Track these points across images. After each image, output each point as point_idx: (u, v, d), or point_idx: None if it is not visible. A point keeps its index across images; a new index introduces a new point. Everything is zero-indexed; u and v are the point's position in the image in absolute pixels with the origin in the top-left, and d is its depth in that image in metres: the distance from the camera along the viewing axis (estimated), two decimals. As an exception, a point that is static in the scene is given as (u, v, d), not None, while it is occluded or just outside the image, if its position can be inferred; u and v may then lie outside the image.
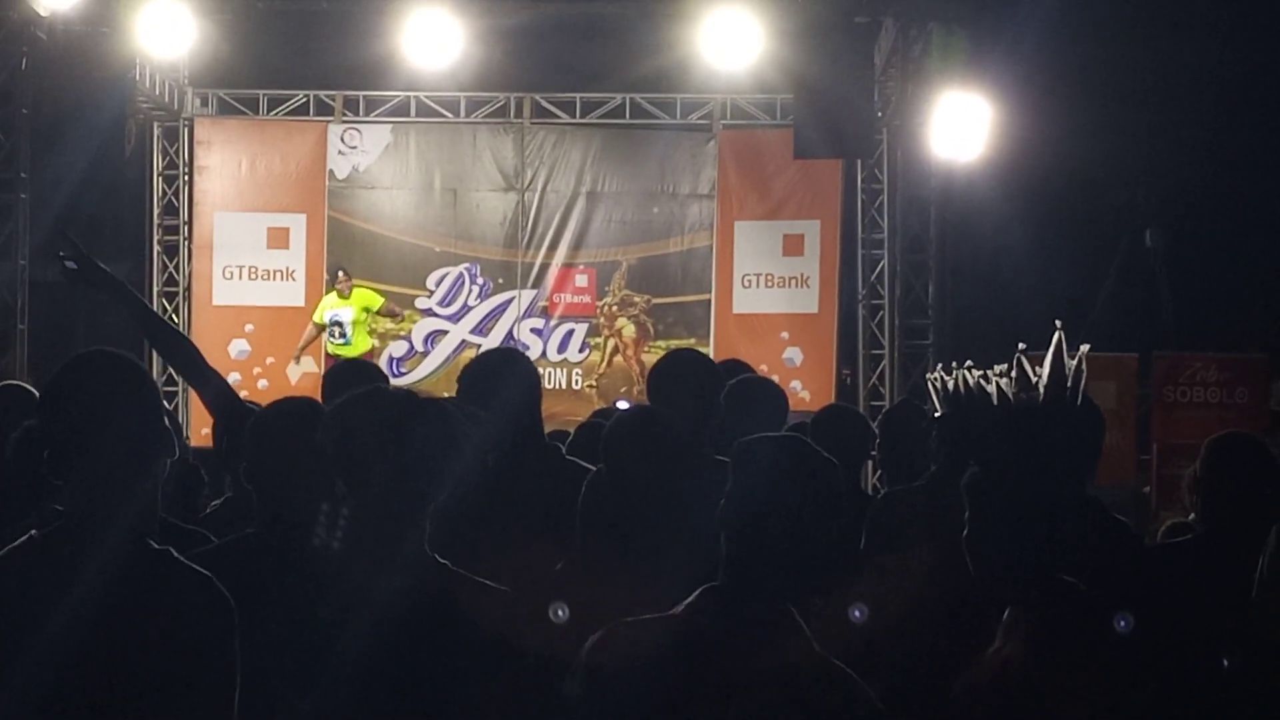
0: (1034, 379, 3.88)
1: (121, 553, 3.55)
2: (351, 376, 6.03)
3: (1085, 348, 3.95)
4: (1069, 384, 3.88)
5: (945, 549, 5.65)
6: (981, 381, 4.04)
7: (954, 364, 3.98)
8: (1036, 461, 3.78)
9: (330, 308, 18.67)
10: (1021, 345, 3.99)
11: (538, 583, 4.30)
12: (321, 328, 18.74)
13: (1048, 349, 3.96)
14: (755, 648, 3.52)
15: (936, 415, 6.01)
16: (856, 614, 4.94)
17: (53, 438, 3.64)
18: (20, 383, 7.24)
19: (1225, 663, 4.19)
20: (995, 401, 3.93)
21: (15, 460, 5.88)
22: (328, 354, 18.69)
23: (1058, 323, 4.02)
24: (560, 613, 2.59)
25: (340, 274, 18.76)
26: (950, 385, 3.88)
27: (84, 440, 3.59)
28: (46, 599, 3.48)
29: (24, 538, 3.62)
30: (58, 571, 3.50)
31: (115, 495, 3.58)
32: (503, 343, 19.07)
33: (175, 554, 3.61)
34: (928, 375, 3.88)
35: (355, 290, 18.71)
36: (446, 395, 5.48)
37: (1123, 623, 4.93)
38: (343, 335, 18.49)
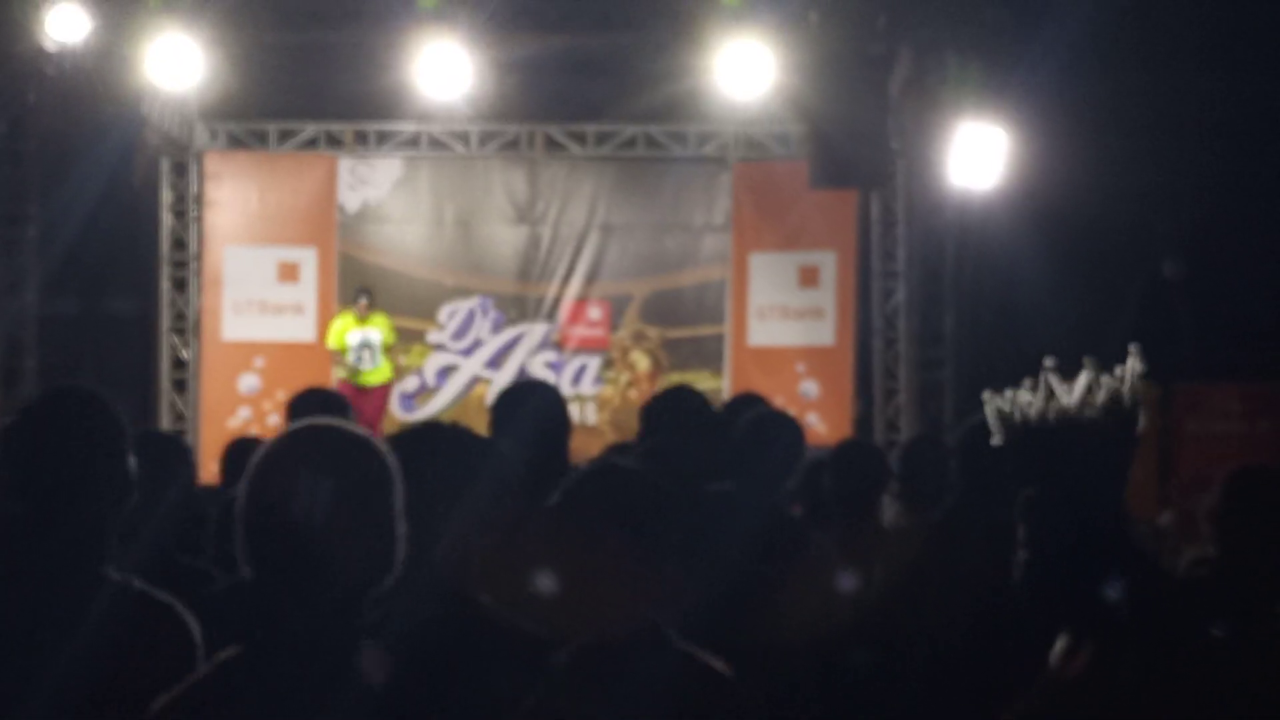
0: (1066, 398, 3.81)
1: (73, 580, 3.51)
2: (316, 407, 5.93)
3: (1134, 360, 3.92)
4: (1127, 401, 3.86)
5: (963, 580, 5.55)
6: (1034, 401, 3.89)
7: (1004, 390, 3.88)
8: (1094, 481, 3.75)
9: (354, 329, 18.52)
10: (1048, 361, 3.90)
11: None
12: (341, 352, 18.56)
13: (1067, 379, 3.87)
14: None
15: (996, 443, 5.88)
16: (845, 583, 4.84)
17: (12, 467, 3.62)
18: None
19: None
20: (1051, 419, 3.82)
21: None
22: (345, 381, 18.50)
23: (1132, 348, 3.97)
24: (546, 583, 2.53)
25: (363, 298, 18.58)
26: (1010, 410, 3.77)
27: (38, 472, 3.56)
28: None
29: None
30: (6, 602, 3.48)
31: (65, 528, 3.54)
32: (515, 377, 18.96)
33: (138, 584, 3.55)
34: (985, 400, 3.73)
35: (374, 315, 18.63)
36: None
37: (1112, 591, 4.79)
38: (373, 359, 18.40)
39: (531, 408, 5.69)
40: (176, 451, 5.75)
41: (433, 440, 5.95)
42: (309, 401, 6.44)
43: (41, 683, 3.36)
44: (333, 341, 18.76)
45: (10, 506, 3.61)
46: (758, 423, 6.30)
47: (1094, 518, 3.70)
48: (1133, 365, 3.89)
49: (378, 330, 18.58)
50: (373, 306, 18.65)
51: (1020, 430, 3.75)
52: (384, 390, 18.73)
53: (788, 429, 6.42)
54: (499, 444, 4.88)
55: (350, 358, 18.54)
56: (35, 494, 3.56)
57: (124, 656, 3.39)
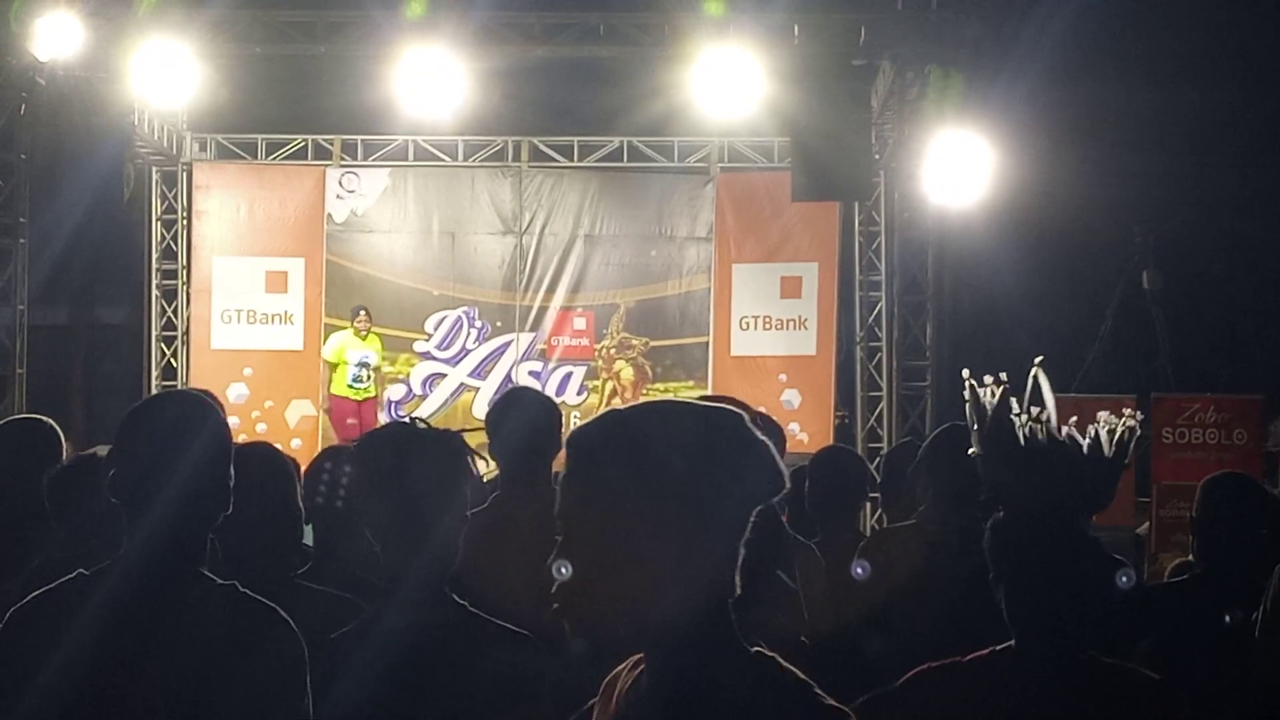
0: (1047, 402, 3.76)
1: (180, 587, 3.55)
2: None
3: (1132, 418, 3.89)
4: (1116, 444, 3.82)
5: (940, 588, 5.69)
6: (1007, 414, 3.81)
7: (982, 382, 3.82)
8: (1061, 502, 3.68)
9: (354, 348, 18.68)
10: (1038, 358, 3.87)
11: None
12: (335, 367, 18.74)
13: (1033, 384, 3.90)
14: None
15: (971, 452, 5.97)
16: (859, 570, 4.94)
17: (119, 474, 3.65)
18: (42, 417, 7.20)
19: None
20: (1021, 437, 3.73)
21: (51, 497, 5.88)
22: (334, 395, 18.72)
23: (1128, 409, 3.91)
24: (564, 570, 2.50)
25: (362, 314, 18.76)
26: (982, 416, 3.74)
27: (143, 482, 3.60)
28: (97, 635, 3.46)
29: (73, 575, 3.62)
30: (108, 606, 3.50)
31: (168, 535, 3.57)
32: (501, 386, 19.09)
33: (240, 587, 3.59)
34: (968, 393, 3.57)
35: (370, 334, 18.79)
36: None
37: (1124, 579, 4.92)
38: (370, 378, 18.57)
39: (520, 415, 5.81)
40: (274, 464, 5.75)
41: (418, 442, 6.13)
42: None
43: (151, 683, 3.43)
44: (332, 356, 18.89)
45: (115, 502, 3.67)
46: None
47: (1067, 540, 3.67)
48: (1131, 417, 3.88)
49: (373, 351, 18.74)
50: (371, 323, 18.81)
51: (1005, 442, 3.69)
52: (373, 404, 18.90)
53: (769, 429, 6.50)
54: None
55: (349, 375, 18.69)
56: (141, 493, 3.61)
57: (230, 659, 3.46)
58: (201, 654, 3.45)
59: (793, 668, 2.55)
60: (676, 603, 2.49)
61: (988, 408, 3.77)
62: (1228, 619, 5.13)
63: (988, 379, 3.80)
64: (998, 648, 3.53)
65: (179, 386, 19.49)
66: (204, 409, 3.76)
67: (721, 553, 2.53)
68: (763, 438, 2.58)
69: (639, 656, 2.60)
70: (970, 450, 3.80)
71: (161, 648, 3.45)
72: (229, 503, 3.67)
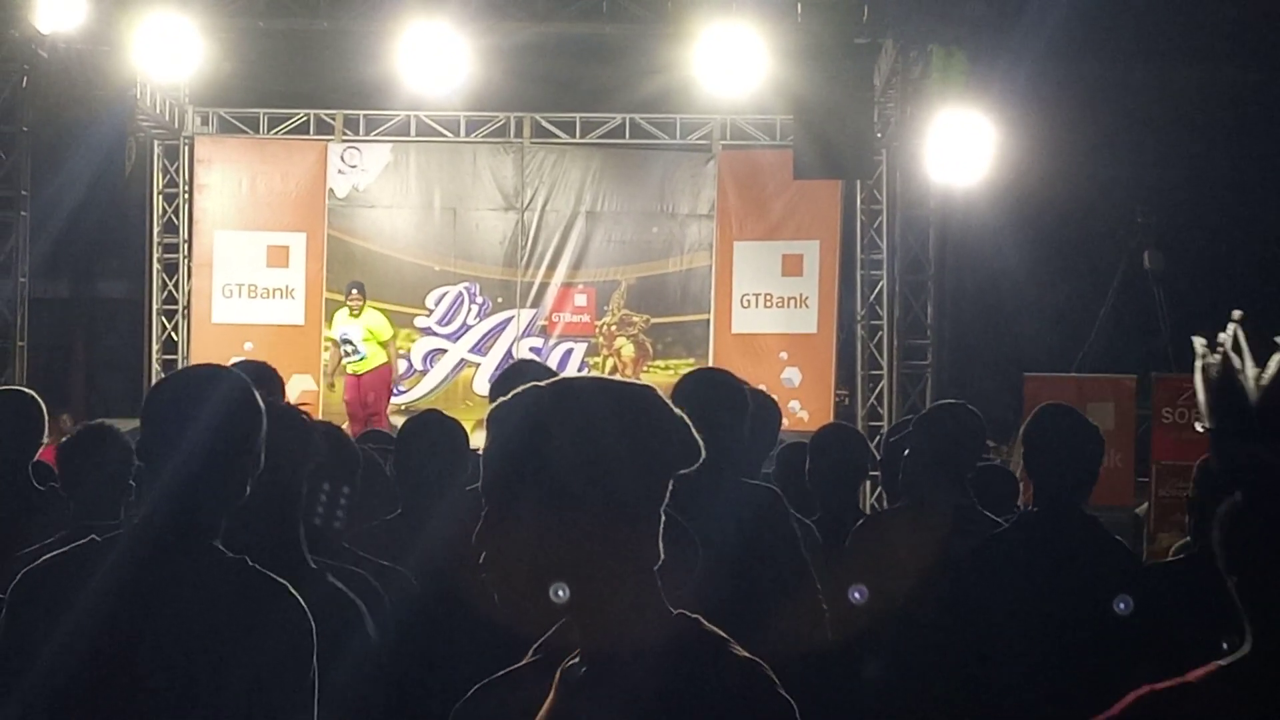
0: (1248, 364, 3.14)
1: (189, 557, 3.55)
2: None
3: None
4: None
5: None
6: (1235, 379, 3.15)
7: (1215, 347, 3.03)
8: None
9: (342, 324, 18.72)
10: (1237, 313, 3.27)
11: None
12: (336, 344, 18.78)
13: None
14: None
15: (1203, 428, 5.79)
16: (856, 595, 4.93)
17: (144, 439, 3.67)
18: (26, 390, 7.22)
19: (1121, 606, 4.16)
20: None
21: (60, 468, 5.91)
22: (349, 374, 18.72)
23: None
24: (560, 593, 2.57)
25: (354, 291, 18.73)
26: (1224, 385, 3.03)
27: (162, 449, 3.61)
28: (106, 599, 3.48)
29: (85, 539, 3.64)
30: (118, 572, 3.51)
31: (181, 504, 3.58)
32: (501, 363, 19.08)
33: (250, 562, 3.59)
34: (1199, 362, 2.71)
35: (366, 309, 18.73)
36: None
37: (1122, 605, 4.92)
38: (356, 352, 18.54)
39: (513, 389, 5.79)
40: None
41: (428, 431, 6.16)
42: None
43: (153, 652, 3.45)
44: (332, 330, 18.95)
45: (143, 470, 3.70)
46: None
47: None
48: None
49: (358, 325, 18.62)
50: (364, 299, 18.73)
51: (1241, 412, 3.07)
52: (376, 375, 18.73)
53: (765, 405, 6.49)
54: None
55: (341, 350, 18.74)
56: (158, 460, 3.62)
57: (235, 632, 3.47)
58: (206, 625, 3.46)
59: (715, 628, 2.62)
60: (597, 572, 2.58)
61: (1237, 375, 3.15)
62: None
63: (1225, 334, 3.21)
64: (1232, 659, 2.97)
65: (180, 361, 19.54)
66: (235, 382, 3.73)
67: (639, 522, 2.61)
68: (677, 411, 2.66)
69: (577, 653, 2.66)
70: (1201, 426, 3.23)
71: (166, 617, 3.46)
72: (246, 481, 3.66)
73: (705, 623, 2.65)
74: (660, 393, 2.70)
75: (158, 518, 3.59)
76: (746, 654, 2.61)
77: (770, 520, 5.36)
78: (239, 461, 3.64)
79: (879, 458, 8.22)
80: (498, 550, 2.61)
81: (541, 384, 2.69)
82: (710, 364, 19.19)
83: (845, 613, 6.18)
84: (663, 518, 2.63)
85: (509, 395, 2.67)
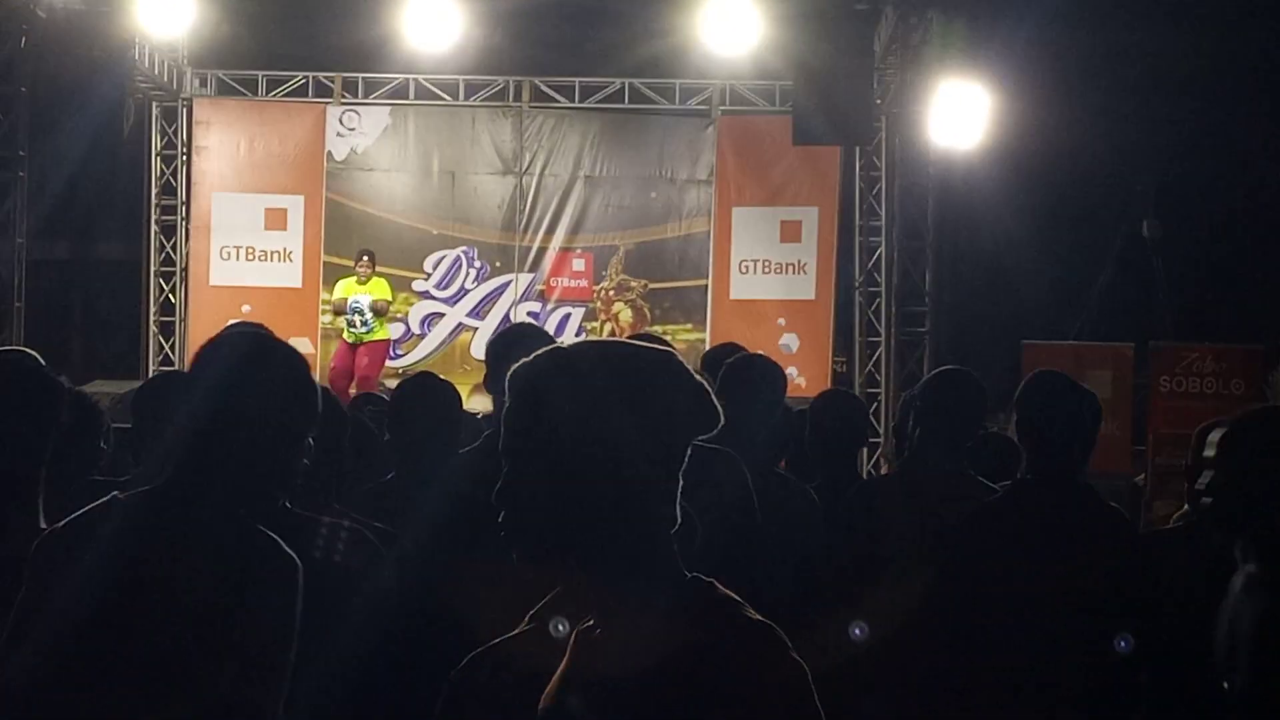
0: None
1: (204, 515, 3.62)
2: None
3: None
4: None
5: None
6: None
7: None
8: None
9: (351, 293, 18.50)
10: None
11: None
12: (343, 303, 18.53)
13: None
14: None
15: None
16: (857, 631, 4.93)
17: (190, 402, 3.73)
18: (27, 350, 7.22)
19: (1225, 685, 4.17)
20: None
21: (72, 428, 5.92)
22: (343, 340, 18.58)
23: None
24: (560, 628, 2.60)
25: (365, 258, 18.50)
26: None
27: (189, 408, 3.69)
28: (132, 555, 3.55)
29: (107, 497, 3.69)
30: (143, 531, 3.59)
31: (209, 467, 3.64)
32: (499, 326, 19.05)
33: (258, 525, 3.66)
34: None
35: (374, 279, 18.58)
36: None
37: (1123, 643, 4.94)
38: (364, 323, 18.32)
39: (523, 354, 5.76)
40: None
41: (422, 394, 6.17)
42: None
43: (160, 609, 3.51)
44: (333, 298, 18.73)
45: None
46: (739, 366, 6.36)
47: None
48: None
49: (369, 295, 18.42)
50: (374, 269, 18.54)
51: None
52: (376, 347, 18.60)
53: (769, 373, 6.49)
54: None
55: (344, 320, 18.51)
56: (178, 440, 3.69)
57: (237, 590, 3.55)
58: (211, 577, 3.53)
59: (729, 592, 2.67)
60: (609, 535, 2.62)
61: None
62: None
63: None
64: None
65: (177, 323, 19.53)
66: (279, 355, 3.84)
67: (651, 488, 2.65)
68: (696, 377, 2.69)
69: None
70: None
71: (179, 568, 3.53)
72: (295, 465, 3.74)
73: (719, 586, 2.68)
74: (677, 357, 2.72)
75: (180, 476, 3.65)
76: (760, 617, 2.65)
77: (725, 484, 5.37)
78: (292, 448, 3.72)
79: (893, 423, 8.22)
80: (515, 510, 2.65)
81: (548, 351, 2.72)
82: (708, 329, 19.22)
83: (845, 536, 6.21)
84: (680, 482, 2.67)
85: (529, 358, 2.71)
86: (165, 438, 3.77)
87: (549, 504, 2.62)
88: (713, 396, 2.69)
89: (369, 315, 18.28)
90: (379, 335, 18.45)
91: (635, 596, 2.62)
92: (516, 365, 2.71)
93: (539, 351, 2.72)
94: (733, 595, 2.67)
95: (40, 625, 3.53)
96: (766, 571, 5.35)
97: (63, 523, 3.70)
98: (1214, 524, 4.60)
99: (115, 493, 3.71)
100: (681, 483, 2.67)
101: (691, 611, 2.62)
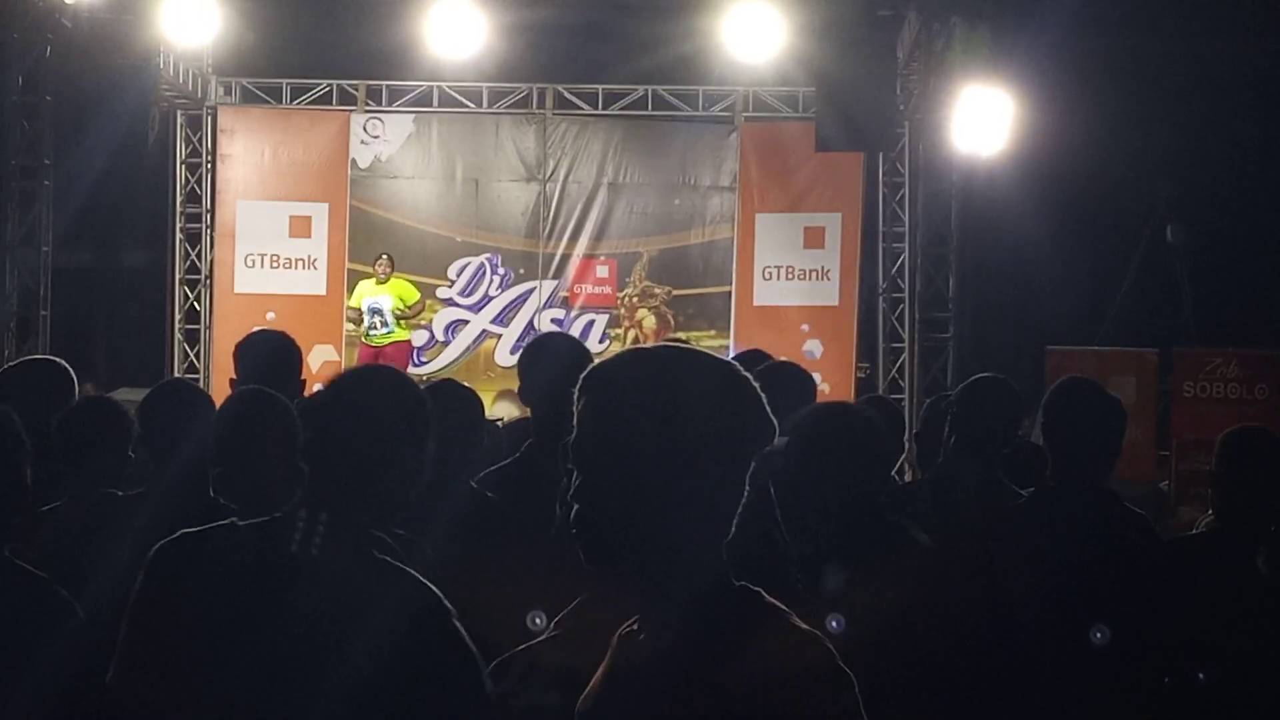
0: None
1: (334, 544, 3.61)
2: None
3: None
4: None
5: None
6: None
7: None
8: None
9: (369, 295, 18.65)
10: None
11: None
12: (358, 313, 18.73)
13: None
14: None
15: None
16: (834, 625, 4.94)
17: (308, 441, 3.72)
18: (56, 358, 7.27)
19: (1201, 675, 4.17)
20: None
21: (60, 439, 5.93)
22: (362, 343, 18.73)
23: None
24: (538, 620, 2.62)
25: (384, 258, 18.71)
26: None
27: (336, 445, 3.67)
28: (246, 583, 3.55)
29: (226, 522, 3.72)
30: (269, 553, 3.58)
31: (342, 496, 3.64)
32: (523, 334, 19.12)
33: (378, 552, 3.68)
34: None
35: (393, 279, 18.72)
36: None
37: (1099, 635, 4.95)
38: (384, 324, 18.46)
39: (551, 360, 5.75)
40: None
41: (444, 400, 6.18)
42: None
43: (284, 633, 3.52)
44: (353, 300, 18.94)
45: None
46: (769, 374, 6.31)
47: None
48: None
49: (388, 295, 18.63)
50: (393, 270, 18.74)
51: None
52: (398, 349, 18.73)
53: (799, 380, 6.44)
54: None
55: (364, 322, 18.69)
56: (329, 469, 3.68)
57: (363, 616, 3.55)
58: (333, 611, 3.53)
59: (775, 601, 2.68)
60: (684, 541, 2.64)
61: None
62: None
63: None
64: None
65: (202, 331, 19.58)
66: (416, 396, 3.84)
67: (728, 496, 2.67)
68: (755, 389, 2.71)
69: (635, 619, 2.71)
70: None
71: (308, 593, 3.54)
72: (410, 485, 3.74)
73: (766, 595, 2.69)
74: (738, 369, 2.74)
75: (315, 510, 3.63)
76: (807, 626, 2.66)
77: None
78: (409, 471, 3.72)
79: (917, 430, 8.20)
80: (587, 510, 2.67)
81: (647, 349, 2.75)
82: (731, 336, 19.22)
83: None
84: (744, 494, 2.68)
85: (614, 360, 2.74)
86: (294, 460, 3.75)
87: (623, 505, 2.63)
88: (767, 409, 2.71)
89: (388, 317, 18.38)
90: (398, 336, 18.57)
91: (682, 603, 2.63)
92: (593, 366, 2.73)
93: (617, 354, 2.74)
94: (779, 604, 2.69)
95: (162, 640, 3.54)
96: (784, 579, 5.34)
97: (177, 536, 3.68)
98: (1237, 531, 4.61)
99: (233, 519, 3.72)
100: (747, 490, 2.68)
101: (738, 619, 2.64)
